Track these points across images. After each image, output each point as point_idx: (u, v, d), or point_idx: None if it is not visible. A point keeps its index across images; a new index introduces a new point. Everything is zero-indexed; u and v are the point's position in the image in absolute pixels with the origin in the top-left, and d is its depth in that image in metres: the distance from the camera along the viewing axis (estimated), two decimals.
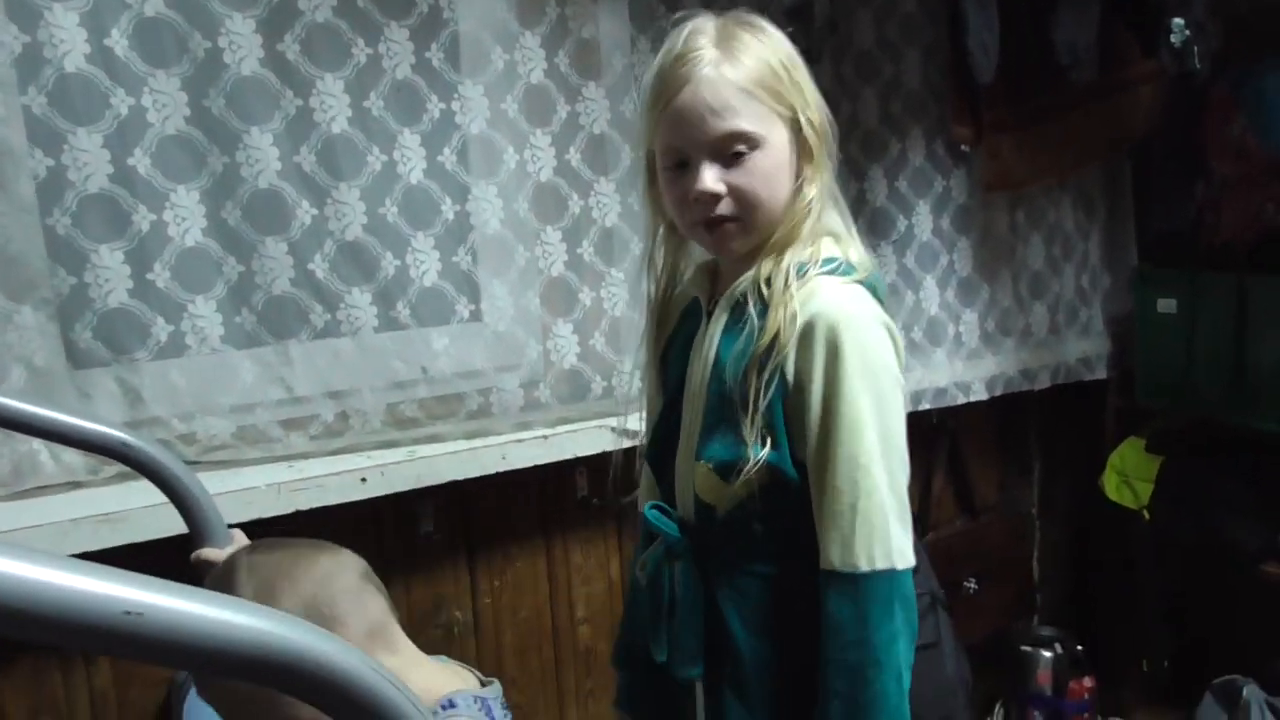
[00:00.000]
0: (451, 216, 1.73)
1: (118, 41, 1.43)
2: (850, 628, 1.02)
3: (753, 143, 1.07)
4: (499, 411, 1.80)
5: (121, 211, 1.47)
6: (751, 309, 1.09)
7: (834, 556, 1.03)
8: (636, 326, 1.93)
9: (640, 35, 1.91)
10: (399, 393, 1.72)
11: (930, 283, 2.32)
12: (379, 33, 1.63)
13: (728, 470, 1.08)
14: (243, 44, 1.51)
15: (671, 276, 1.26)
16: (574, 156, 1.84)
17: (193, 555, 1.15)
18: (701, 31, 1.09)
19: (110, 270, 1.46)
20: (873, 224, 2.25)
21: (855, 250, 1.14)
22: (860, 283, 1.10)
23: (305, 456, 1.64)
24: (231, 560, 0.95)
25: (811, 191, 1.10)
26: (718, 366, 1.11)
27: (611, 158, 1.89)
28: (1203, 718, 2.25)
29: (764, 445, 1.05)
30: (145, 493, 1.21)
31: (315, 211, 1.60)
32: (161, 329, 1.51)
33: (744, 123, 1.06)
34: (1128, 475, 2.49)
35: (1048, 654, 2.51)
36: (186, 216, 1.51)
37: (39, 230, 1.42)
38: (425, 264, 1.70)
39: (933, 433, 2.51)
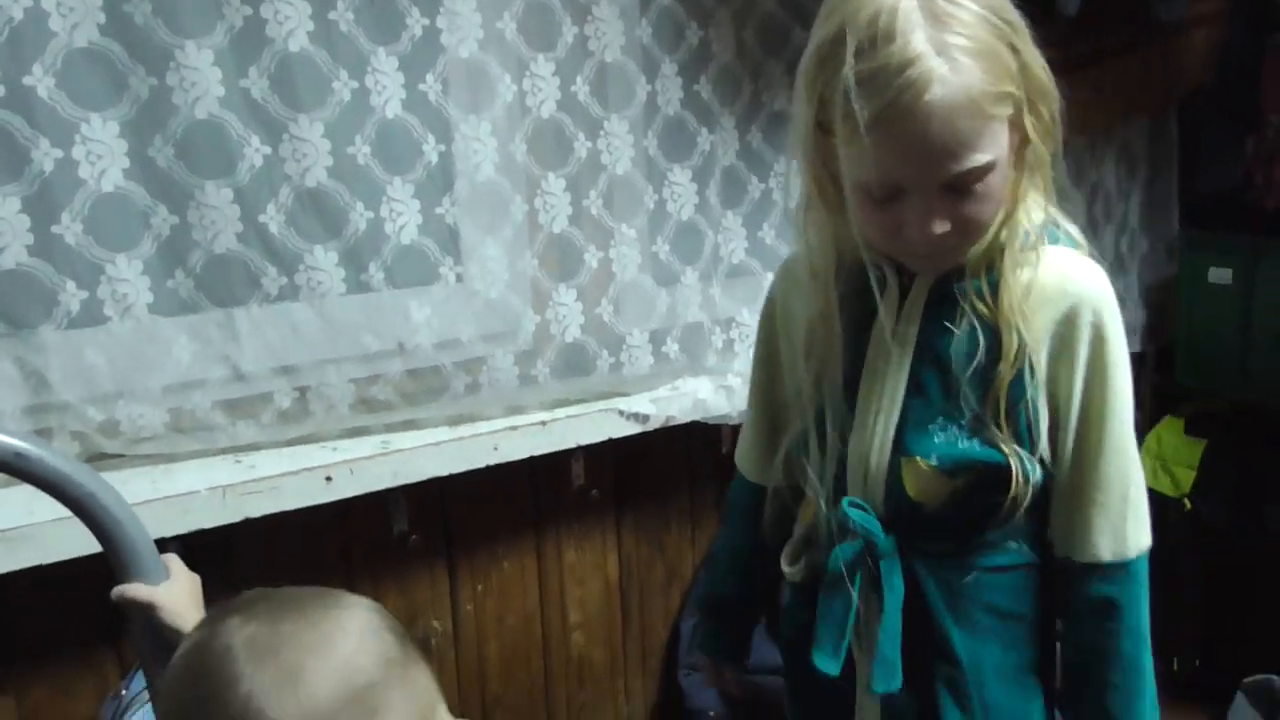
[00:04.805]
0: (435, 159, 1.43)
1: None
2: (1125, 615, 1.03)
3: (988, 169, 0.91)
4: (488, 392, 1.52)
5: (18, 146, 1.15)
6: (975, 289, 0.98)
7: (1102, 549, 1.02)
8: (649, 292, 1.67)
9: None
10: (370, 371, 1.44)
11: None
12: None
13: (958, 469, 1.00)
14: None
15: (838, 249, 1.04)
16: (581, 89, 1.54)
17: (114, 593, 0.88)
18: (910, 23, 0.86)
19: (4, 221, 1.15)
20: None
21: (1053, 209, 1.01)
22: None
23: (255, 448, 1.36)
24: (211, 635, 0.67)
25: (1035, 201, 0.98)
26: (931, 354, 1.01)
27: (624, 91, 1.60)
28: (1234, 718, 2.10)
29: (1020, 445, 0.99)
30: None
31: (268, 150, 1.30)
32: (72, 295, 1.20)
33: (983, 155, 0.89)
34: (1166, 460, 2.28)
35: None
36: (103, 154, 1.20)
37: None
38: (403, 216, 1.41)
39: None
